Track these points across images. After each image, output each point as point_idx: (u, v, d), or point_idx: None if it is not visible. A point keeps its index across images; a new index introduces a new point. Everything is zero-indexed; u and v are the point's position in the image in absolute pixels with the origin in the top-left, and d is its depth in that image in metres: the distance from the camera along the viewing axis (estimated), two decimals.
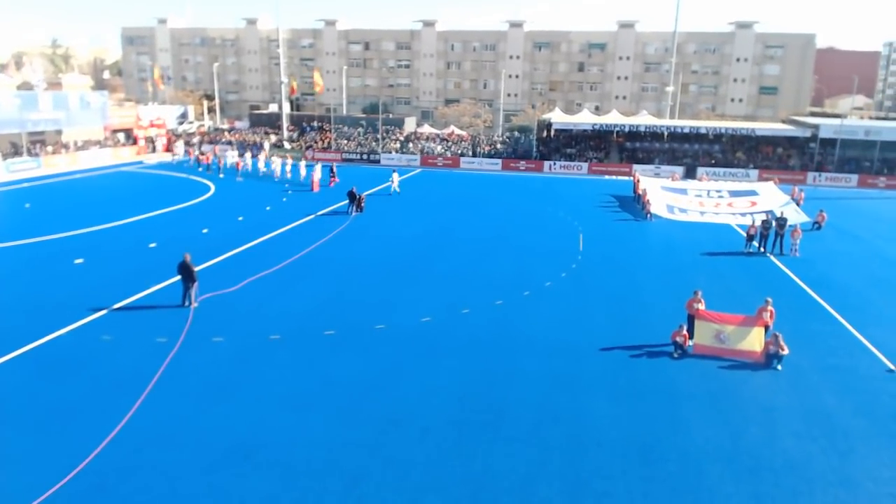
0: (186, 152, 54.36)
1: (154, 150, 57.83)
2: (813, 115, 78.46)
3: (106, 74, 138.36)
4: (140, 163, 52.61)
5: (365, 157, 55.91)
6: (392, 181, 40.43)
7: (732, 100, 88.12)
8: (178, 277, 18.80)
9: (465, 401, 13.56)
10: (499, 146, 58.11)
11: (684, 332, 16.31)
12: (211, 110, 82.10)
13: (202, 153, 51.63)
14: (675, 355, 16.06)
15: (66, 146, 50.65)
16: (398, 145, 58.51)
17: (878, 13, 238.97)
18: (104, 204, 34.21)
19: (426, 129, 65.86)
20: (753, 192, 37.91)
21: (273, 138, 60.86)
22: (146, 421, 12.29)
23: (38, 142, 49.17)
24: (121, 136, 56.97)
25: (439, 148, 57.83)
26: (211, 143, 58.17)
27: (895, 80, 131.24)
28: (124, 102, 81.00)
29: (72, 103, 52.03)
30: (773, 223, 27.72)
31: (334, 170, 44.42)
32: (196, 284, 18.48)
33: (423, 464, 11.26)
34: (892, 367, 15.96)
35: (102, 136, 55.17)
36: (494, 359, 15.68)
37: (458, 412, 13.08)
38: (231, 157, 48.69)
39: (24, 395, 13.21)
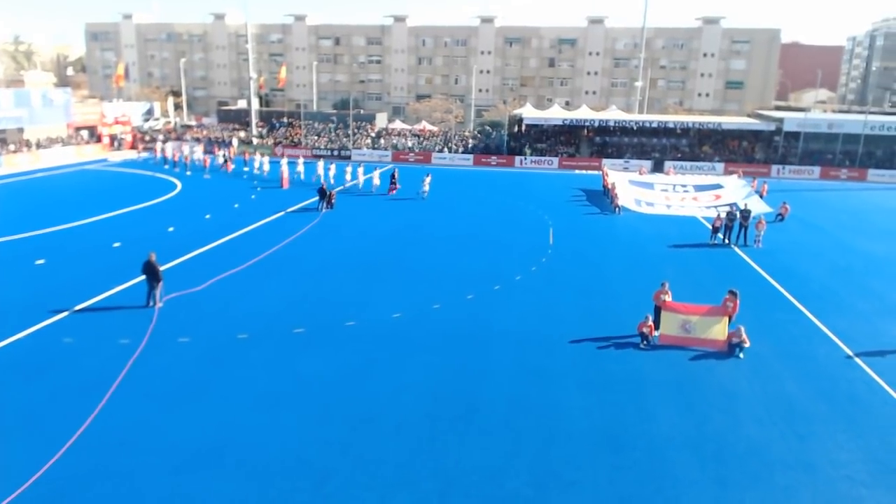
0: (152, 149, 53.41)
1: (119, 147, 56.69)
2: (778, 108, 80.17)
3: (69, 71, 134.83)
4: (104, 160, 51.53)
5: (336, 153, 55.50)
6: (423, 184, 37.50)
7: (699, 94, 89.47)
8: (143, 277, 18.46)
9: (438, 395, 13.57)
10: (470, 141, 58.19)
11: (650, 322, 16.55)
12: (178, 107, 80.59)
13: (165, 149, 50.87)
14: (643, 346, 16.30)
15: (28, 144, 49.33)
16: (369, 141, 58.23)
17: (841, 9, 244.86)
18: (67, 203, 33.42)
19: (398, 124, 65.63)
20: (718, 186, 38.61)
21: (242, 134, 60.08)
22: (109, 425, 12.04)
23: None
24: (85, 133, 55.73)
25: (411, 143, 57.71)
26: (178, 139, 57.20)
27: (858, 74, 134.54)
28: (88, 99, 79.08)
29: (34, 101, 50.85)
30: (738, 215, 28.26)
31: (396, 176, 39.21)
32: (161, 284, 18.16)
33: (394, 460, 11.25)
34: (850, 353, 16.40)
35: (66, 133, 53.90)
36: (466, 353, 15.73)
37: (430, 407, 13.09)
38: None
39: None
